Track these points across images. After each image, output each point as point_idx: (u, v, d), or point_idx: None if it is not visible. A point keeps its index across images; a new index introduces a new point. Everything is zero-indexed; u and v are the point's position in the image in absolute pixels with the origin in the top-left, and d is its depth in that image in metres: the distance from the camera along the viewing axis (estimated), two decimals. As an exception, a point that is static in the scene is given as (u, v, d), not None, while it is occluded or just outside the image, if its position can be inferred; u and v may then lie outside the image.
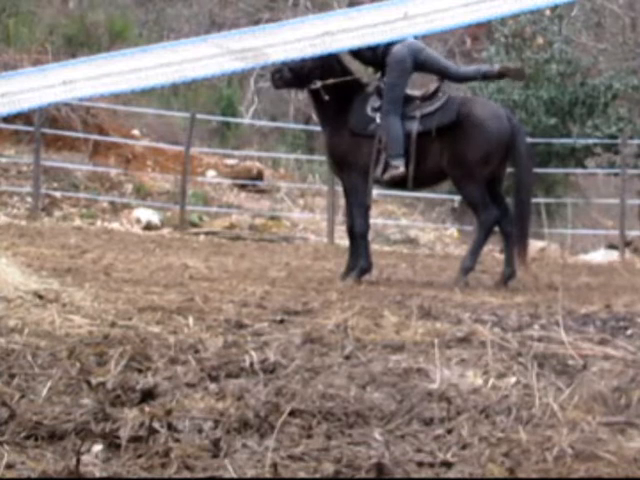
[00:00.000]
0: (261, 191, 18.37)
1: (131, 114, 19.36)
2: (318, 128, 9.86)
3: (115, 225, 15.54)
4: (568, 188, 19.84)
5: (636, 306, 6.38)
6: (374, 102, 8.49)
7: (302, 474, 2.52)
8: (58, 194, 16.14)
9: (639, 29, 23.66)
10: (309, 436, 2.86)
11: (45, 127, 16.03)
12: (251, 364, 3.73)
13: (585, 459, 2.64)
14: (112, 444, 2.67)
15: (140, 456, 2.60)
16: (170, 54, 2.67)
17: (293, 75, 8.32)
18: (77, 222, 15.32)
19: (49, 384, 3.24)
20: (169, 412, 2.97)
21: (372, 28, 2.67)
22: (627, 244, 15.53)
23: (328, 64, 8.30)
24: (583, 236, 17.24)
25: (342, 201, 11.80)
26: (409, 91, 8.61)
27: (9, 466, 2.47)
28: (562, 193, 19.04)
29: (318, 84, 8.35)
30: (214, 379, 3.53)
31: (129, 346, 3.94)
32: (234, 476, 2.48)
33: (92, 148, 17.19)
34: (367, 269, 8.44)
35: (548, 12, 19.23)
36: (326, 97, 8.36)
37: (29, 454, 2.59)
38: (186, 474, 2.50)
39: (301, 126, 22.17)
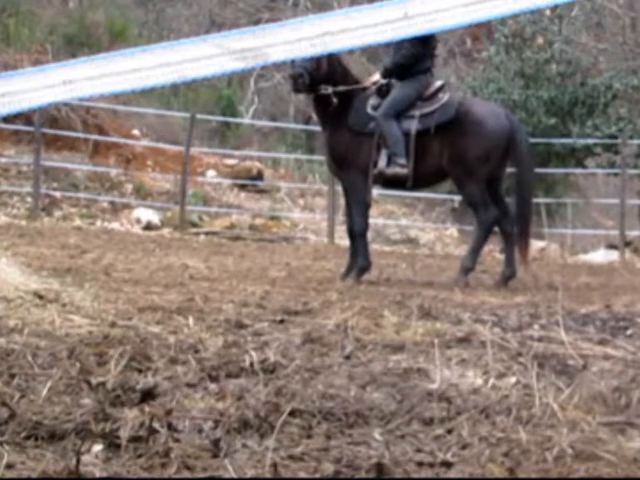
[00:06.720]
0: (261, 191, 18.36)
1: (131, 114, 19.36)
2: (318, 128, 9.85)
3: (115, 225, 15.53)
4: (568, 188, 19.83)
5: (636, 306, 6.38)
6: (374, 101, 8.51)
7: (302, 474, 2.52)
8: (58, 194, 16.13)
9: (639, 29, 23.65)
10: (309, 436, 2.85)
11: (45, 127, 16.02)
12: (251, 364, 3.73)
13: (585, 459, 2.64)
14: (112, 444, 2.67)
15: (140, 456, 2.60)
16: (170, 54, 2.67)
17: (311, 79, 8.32)
18: (77, 222, 15.32)
19: (49, 384, 3.24)
20: (169, 412, 2.96)
21: (372, 28, 2.67)
22: (627, 244, 15.53)
23: (334, 67, 8.33)
24: (583, 236, 17.24)
25: (342, 201, 11.80)
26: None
27: (9, 466, 2.47)
28: (562, 193, 19.03)
29: (329, 90, 8.37)
30: (214, 379, 3.53)
31: (129, 346, 3.94)
32: (234, 476, 2.48)
33: (92, 148, 17.18)
34: (366, 268, 8.45)
35: (548, 12, 19.23)
36: (334, 100, 8.39)
37: (29, 454, 2.59)
38: (186, 474, 2.50)
39: (301, 126, 22.18)
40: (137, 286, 6.64)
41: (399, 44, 8.27)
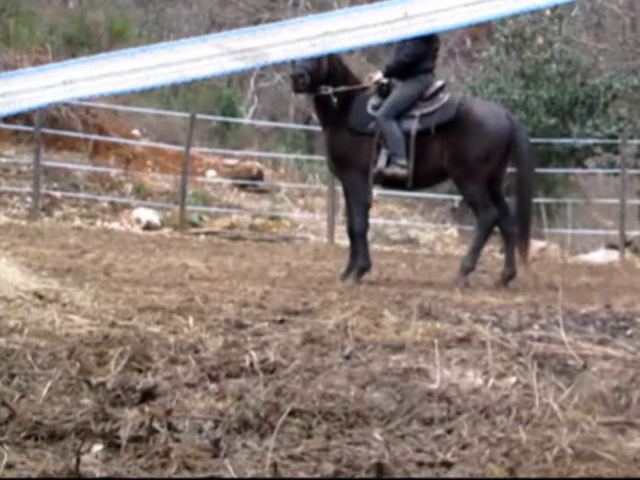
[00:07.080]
0: (261, 191, 18.37)
1: (131, 114, 19.36)
2: (318, 128, 9.85)
3: (115, 225, 15.53)
4: (568, 188, 19.83)
5: (636, 306, 6.38)
6: (374, 101, 8.51)
7: (302, 474, 2.52)
8: (58, 194, 16.14)
9: (639, 29, 23.65)
10: (309, 436, 2.85)
11: (45, 127, 16.02)
12: (251, 364, 3.73)
13: (585, 459, 2.64)
14: (112, 444, 2.67)
15: (140, 456, 2.60)
16: (170, 54, 2.67)
17: (312, 79, 8.30)
18: (77, 222, 15.32)
19: (49, 384, 3.24)
20: (169, 412, 2.96)
21: (372, 28, 2.67)
22: (627, 244, 15.53)
23: (334, 67, 8.33)
24: (583, 236, 17.24)
25: (342, 201, 11.81)
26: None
27: (9, 466, 2.47)
28: (562, 193, 19.03)
29: (330, 90, 8.37)
30: (214, 379, 3.53)
31: (129, 346, 3.93)
32: (234, 476, 2.48)
33: (92, 148, 17.19)
34: (366, 268, 8.45)
35: (548, 12, 19.22)
36: (335, 100, 8.39)
37: (29, 454, 2.59)
38: (186, 474, 2.50)
39: (301, 126, 22.17)
40: (137, 286, 6.64)
41: (401, 43, 8.27)
